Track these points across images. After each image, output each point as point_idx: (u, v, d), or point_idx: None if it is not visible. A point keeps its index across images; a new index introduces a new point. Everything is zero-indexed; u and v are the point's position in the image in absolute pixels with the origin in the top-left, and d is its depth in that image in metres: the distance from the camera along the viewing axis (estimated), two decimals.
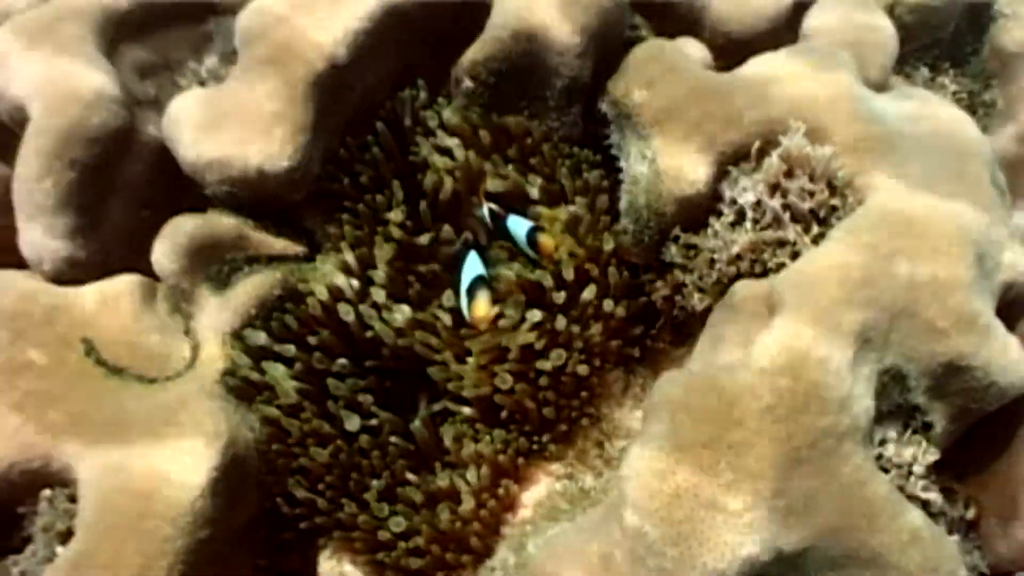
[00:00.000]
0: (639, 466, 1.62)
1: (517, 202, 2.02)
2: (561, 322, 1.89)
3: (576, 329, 1.90)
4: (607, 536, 1.67)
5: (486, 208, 2.01)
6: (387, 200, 2.00)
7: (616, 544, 1.64)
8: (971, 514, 1.88)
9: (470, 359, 1.93)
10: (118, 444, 1.71)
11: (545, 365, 1.86)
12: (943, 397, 1.76)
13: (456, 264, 2.01)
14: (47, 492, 1.76)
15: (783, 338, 1.65)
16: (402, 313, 1.90)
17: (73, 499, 1.75)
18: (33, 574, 1.71)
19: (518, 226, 1.98)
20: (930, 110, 2.04)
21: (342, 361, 1.86)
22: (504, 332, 1.92)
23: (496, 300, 1.95)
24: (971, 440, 1.86)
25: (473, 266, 1.97)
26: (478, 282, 1.92)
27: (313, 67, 1.87)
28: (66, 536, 1.72)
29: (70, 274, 1.91)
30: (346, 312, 1.85)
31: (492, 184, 2.01)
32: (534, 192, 2.04)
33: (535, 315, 1.92)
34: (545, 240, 1.98)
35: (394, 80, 2.07)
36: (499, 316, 1.93)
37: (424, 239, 2.02)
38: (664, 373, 1.74)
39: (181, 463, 1.66)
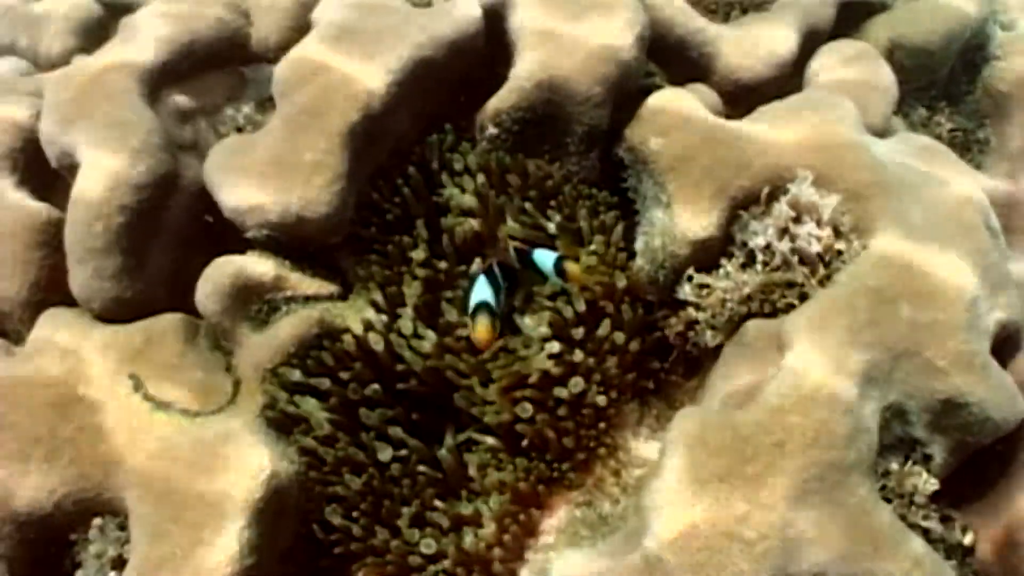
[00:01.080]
0: (659, 498, 1.72)
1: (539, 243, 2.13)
2: (578, 355, 1.99)
3: (592, 361, 2.01)
4: (628, 563, 1.76)
5: (512, 247, 2.11)
6: (414, 240, 2.11)
7: (637, 571, 1.74)
8: (968, 540, 1.99)
9: (492, 385, 2.03)
10: (166, 478, 1.81)
11: (563, 393, 1.97)
12: (942, 431, 1.87)
13: (469, 288, 2.12)
14: (98, 520, 1.87)
15: (793, 378, 1.77)
16: (428, 339, 2.00)
17: (123, 527, 1.85)
18: None
19: (545, 258, 2.07)
20: (931, 158, 2.16)
21: (374, 386, 1.95)
22: (524, 359, 2.02)
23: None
24: (968, 470, 1.97)
25: (480, 291, 2.05)
26: (481, 307, 2.01)
27: (349, 118, 1.98)
28: (117, 562, 1.83)
29: (117, 312, 2.02)
30: (376, 341, 1.95)
31: (512, 229, 2.11)
32: (551, 227, 2.14)
33: (553, 346, 2.02)
34: (572, 268, 2.07)
35: (422, 126, 2.18)
36: (501, 336, 2.02)
37: (445, 275, 2.12)
38: (681, 409, 1.85)
39: (229, 495, 1.76)
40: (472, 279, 2.12)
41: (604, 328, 2.04)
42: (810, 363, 1.77)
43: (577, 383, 1.97)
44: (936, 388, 1.82)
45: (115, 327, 2.02)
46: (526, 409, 1.97)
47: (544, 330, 2.06)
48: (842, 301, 1.86)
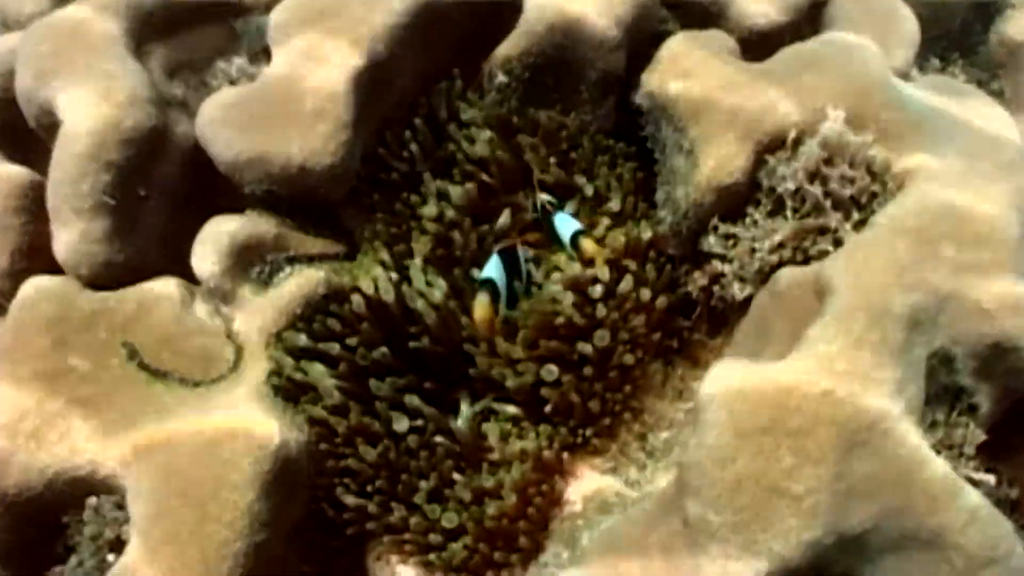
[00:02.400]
0: (699, 455, 1.62)
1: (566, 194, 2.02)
2: (601, 310, 1.88)
3: (617, 315, 1.89)
4: (666, 526, 1.67)
5: (539, 199, 2.00)
6: (423, 196, 1.99)
7: (677, 533, 1.64)
8: (1014, 494, 1.90)
9: (516, 341, 1.90)
10: (167, 450, 1.68)
11: (587, 348, 1.85)
12: (988, 378, 1.78)
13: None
14: (93, 500, 1.73)
15: (836, 322, 1.66)
16: (439, 288, 1.88)
17: (120, 506, 1.72)
18: None
19: (564, 226, 1.97)
20: (962, 99, 2.07)
21: (383, 350, 1.83)
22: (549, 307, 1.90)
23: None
24: (1011, 421, 1.88)
25: (489, 269, 1.95)
26: (484, 285, 1.90)
27: (354, 63, 1.85)
28: (115, 544, 1.70)
29: (107, 278, 1.88)
30: (386, 291, 1.83)
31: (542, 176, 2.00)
32: (589, 191, 2.02)
33: (567, 296, 1.91)
34: (588, 245, 1.97)
35: (427, 78, 2.06)
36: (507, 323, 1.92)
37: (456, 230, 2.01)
38: (717, 362, 1.75)
39: (236, 466, 1.63)
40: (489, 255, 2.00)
41: (627, 283, 1.93)
42: (854, 307, 1.67)
43: (603, 336, 1.86)
44: (984, 331, 1.72)
45: (105, 293, 1.88)
46: (551, 372, 1.86)
47: (557, 287, 1.94)
48: (882, 243, 1.75)
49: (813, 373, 1.62)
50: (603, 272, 1.90)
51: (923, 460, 1.61)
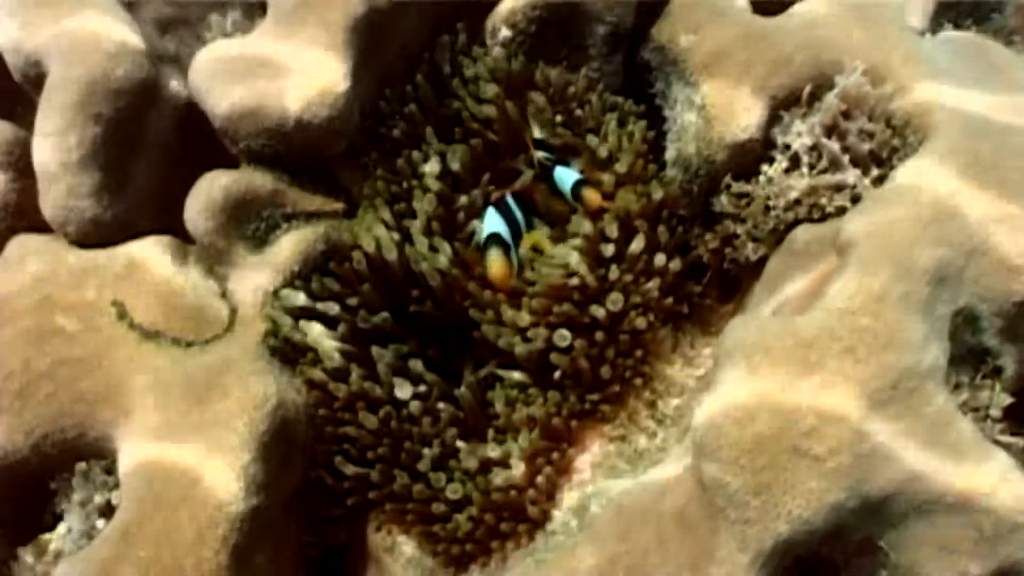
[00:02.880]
0: (716, 414, 1.55)
1: (566, 153, 1.94)
2: (615, 271, 1.81)
3: (629, 278, 1.82)
4: (681, 490, 1.60)
5: (535, 155, 1.93)
6: (424, 153, 1.91)
7: (692, 498, 1.58)
8: None
9: (522, 307, 1.83)
10: (159, 410, 1.61)
11: (600, 312, 1.78)
12: (1015, 339, 1.71)
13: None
14: (82, 465, 1.66)
15: (859, 277, 1.59)
16: (444, 252, 1.81)
17: (110, 471, 1.65)
18: (71, 552, 1.59)
19: (565, 177, 1.90)
20: (977, 48, 2.00)
21: (384, 314, 1.75)
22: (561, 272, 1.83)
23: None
24: None
25: (491, 223, 1.88)
26: (492, 240, 1.83)
27: (354, 9, 1.77)
28: (106, 510, 1.62)
29: (96, 236, 1.80)
30: (389, 250, 1.75)
31: (539, 132, 1.93)
32: (603, 152, 1.95)
33: (573, 255, 1.84)
34: (590, 195, 1.90)
35: (429, 31, 1.98)
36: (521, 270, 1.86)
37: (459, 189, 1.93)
38: (733, 319, 1.68)
39: (231, 426, 1.56)
40: (483, 210, 1.93)
41: (638, 243, 1.85)
42: (878, 261, 1.60)
43: (617, 300, 1.78)
44: (1012, 289, 1.66)
45: (94, 251, 1.80)
46: (564, 337, 1.78)
47: (567, 250, 1.87)
48: (906, 196, 1.69)
49: (835, 328, 1.56)
50: (611, 229, 1.83)
51: (950, 420, 1.55)
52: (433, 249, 1.82)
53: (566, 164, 1.95)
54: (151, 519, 1.49)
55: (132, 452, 1.57)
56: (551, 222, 2.00)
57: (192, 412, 1.59)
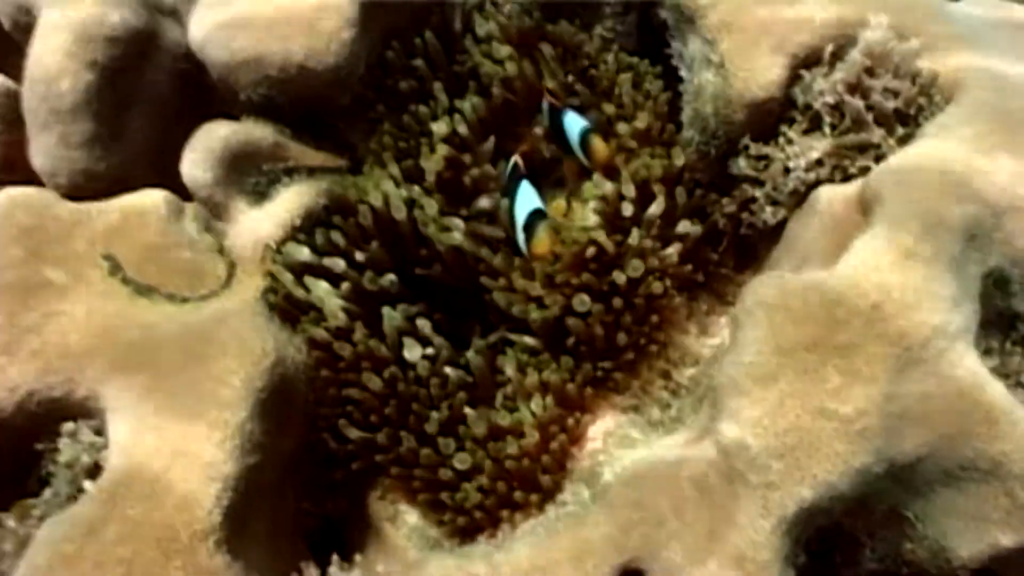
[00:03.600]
0: (737, 373, 1.48)
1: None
2: (635, 235, 1.74)
3: (649, 244, 1.75)
4: (699, 455, 1.53)
5: (546, 102, 1.85)
6: (432, 111, 1.84)
7: (711, 463, 1.50)
8: None
9: (533, 281, 1.76)
10: (151, 366, 1.53)
11: (620, 278, 1.70)
12: None
13: (509, 193, 1.85)
14: (70, 425, 1.57)
15: (887, 234, 1.52)
16: (457, 228, 1.73)
17: (99, 432, 1.57)
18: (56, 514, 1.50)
19: (574, 125, 1.82)
20: (1005, 11, 1.93)
21: (390, 277, 1.68)
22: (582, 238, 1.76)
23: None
24: None
25: (528, 198, 1.80)
26: (536, 216, 1.75)
27: None
28: (94, 471, 1.53)
29: (88, 188, 1.74)
30: (397, 209, 1.67)
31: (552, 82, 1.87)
32: (610, 109, 1.90)
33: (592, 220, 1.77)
34: (597, 143, 1.82)
35: None
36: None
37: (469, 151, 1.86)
38: (756, 277, 1.60)
39: (226, 382, 1.48)
40: (510, 184, 1.86)
41: (657, 207, 1.78)
42: (906, 217, 1.53)
43: (637, 267, 1.71)
44: None
45: (86, 204, 1.72)
46: (584, 302, 1.70)
47: (589, 213, 1.80)
48: (934, 153, 1.62)
49: (862, 285, 1.49)
50: (629, 189, 1.76)
51: (982, 382, 1.48)
52: (445, 229, 1.73)
53: (579, 111, 1.88)
54: (140, 478, 1.41)
55: (121, 410, 1.49)
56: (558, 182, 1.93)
57: (186, 368, 1.51)
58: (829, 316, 1.48)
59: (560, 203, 1.90)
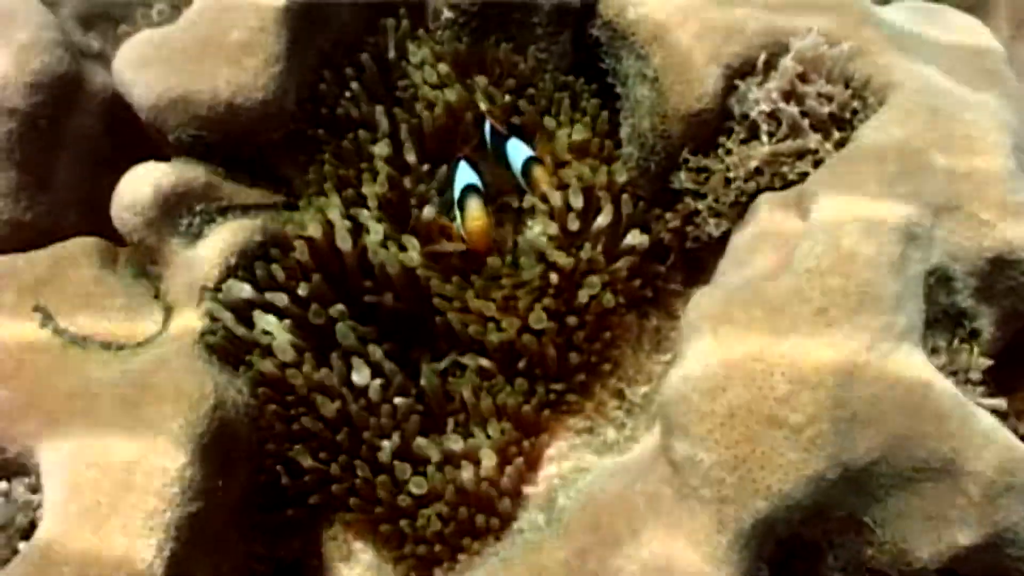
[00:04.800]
0: (685, 388, 1.46)
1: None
2: (587, 249, 1.73)
3: (600, 253, 1.74)
4: (652, 473, 1.51)
5: (488, 125, 1.84)
6: (371, 136, 1.82)
7: (664, 480, 1.48)
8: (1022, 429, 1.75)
9: (487, 303, 1.74)
10: (86, 417, 1.48)
11: (583, 297, 1.69)
12: (990, 299, 1.65)
13: (449, 182, 1.84)
14: (3, 485, 1.52)
15: (827, 236, 1.52)
16: (412, 247, 1.71)
17: (35, 489, 1.51)
18: None
19: (517, 153, 1.81)
20: (937, 15, 1.95)
21: (339, 307, 1.65)
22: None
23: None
24: (1015, 352, 1.74)
25: (464, 175, 1.78)
26: (469, 191, 1.73)
27: None
28: (29, 532, 1.48)
29: (16, 239, 1.70)
30: (343, 239, 1.64)
31: (487, 101, 1.85)
32: (549, 123, 1.90)
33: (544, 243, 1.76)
34: (539, 174, 1.82)
35: (368, 15, 1.90)
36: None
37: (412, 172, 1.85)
38: (699, 290, 1.59)
39: (164, 428, 1.44)
40: (451, 168, 1.85)
41: (604, 217, 1.77)
42: (845, 218, 1.53)
43: (594, 284, 1.70)
44: (983, 245, 1.59)
45: (13, 255, 1.67)
46: (541, 318, 1.69)
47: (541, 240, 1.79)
48: (869, 155, 1.62)
49: (804, 290, 1.48)
50: (576, 200, 1.74)
51: (930, 381, 1.47)
52: (401, 247, 1.71)
53: (521, 137, 1.86)
54: (77, 534, 1.36)
55: (56, 464, 1.44)
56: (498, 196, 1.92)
57: (122, 417, 1.46)
58: (774, 324, 1.47)
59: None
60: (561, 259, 1.73)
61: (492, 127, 1.85)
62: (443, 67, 1.86)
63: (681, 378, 1.47)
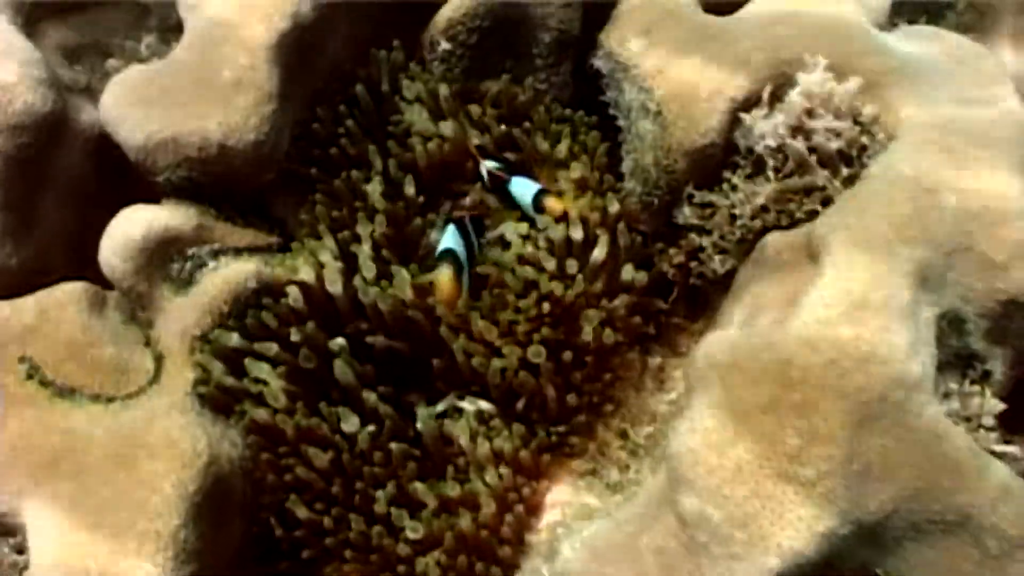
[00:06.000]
0: (692, 441, 1.42)
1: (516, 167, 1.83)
2: (579, 283, 1.69)
3: (597, 289, 1.70)
4: (659, 526, 1.47)
5: (484, 168, 1.80)
6: (365, 174, 1.77)
7: (671, 534, 1.44)
8: None
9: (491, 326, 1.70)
10: (75, 475, 1.43)
11: (588, 335, 1.65)
12: (1002, 341, 1.60)
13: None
14: None
15: (837, 284, 1.48)
16: (402, 279, 1.68)
17: (21, 550, 1.47)
18: None
19: (523, 188, 1.78)
20: (939, 40, 1.91)
21: (340, 341, 1.61)
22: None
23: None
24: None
25: (447, 239, 1.77)
26: (445, 256, 1.72)
27: (276, 26, 1.64)
28: None
29: (1, 285, 1.63)
30: (333, 281, 1.60)
31: (480, 140, 1.82)
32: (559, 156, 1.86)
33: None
34: (552, 204, 1.79)
35: (361, 44, 1.85)
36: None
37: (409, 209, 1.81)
38: (706, 336, 1.55)
39: (157, 489, 1.39)
40: (442, 227, 1.81)
41: (600, 251, 1.72)
42: (855, 265, 1.48)
43: (593, 317, 1.66)
44: (996, 287, 1.55)
45: None
46: (539, 352, 1.64)
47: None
48: (879, 195, 1.58)
49: (815, 341, 1.44)
50: (576, 231, 1.71)
51: (944, 432, 1.43)
52: (387, 278, 1.67)
53: (521, 174, 1.82)
54: None
55: (44, 526, 1.39)
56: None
57: (113, 476, 1.42)
58: (783, 376, 1.42)
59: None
60: (558, 290, 1.69)
61: (489, 171, 1.81)
62: (440, 97, 1.80)
63: (688, 430, 1.43)
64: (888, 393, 1.41)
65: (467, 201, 1.90)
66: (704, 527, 1.39)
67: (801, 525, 1.36)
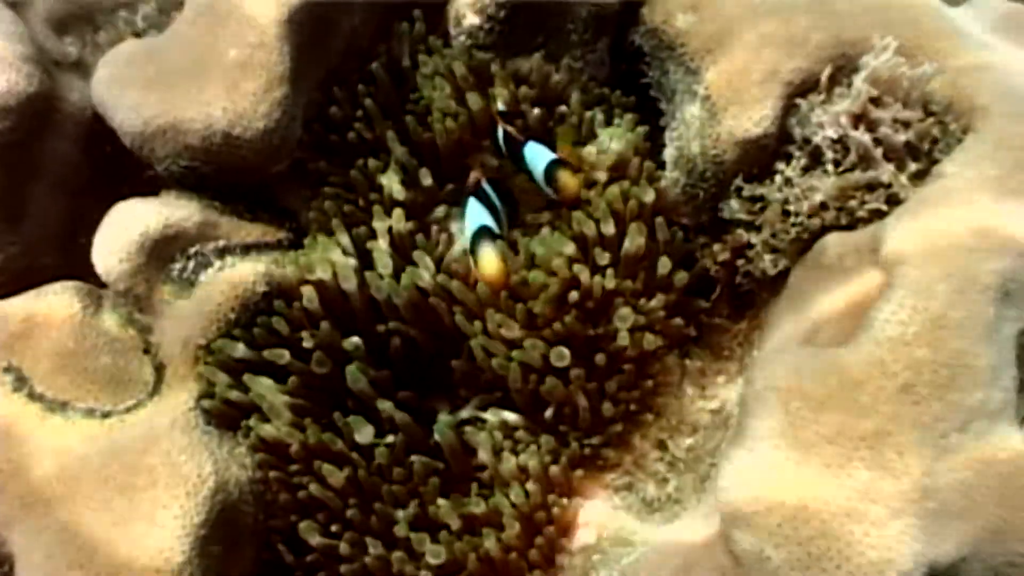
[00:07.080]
0: (749, 474, 1.29)
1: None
2: (610, 280, 1.56)
3: (630, 287, 1.56)
4: (711, 564, 1.35)
5: (501, 131, 1.64)
6: (383, 162, 1.62)
7: (723, 573, 1.32)
8: None
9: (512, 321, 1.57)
10: (67, 502, 1.31)
11: (624, 339, 1.51)
12: None
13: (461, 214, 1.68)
14: None
15: (911, 300, 1.33)
16: (426, 266, 1.54)
17: None
18: None
19: (537, 157, 1.62)
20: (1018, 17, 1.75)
21: (355, 340, 1.48)
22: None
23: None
24: None
25: (476, 215, 1.61)
26: (482, 233, 1.57)
27: (286, 0, 1.47)
28: None
29: None
30: (345, 278, 1.48)
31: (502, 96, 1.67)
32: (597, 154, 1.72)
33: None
34: (566, 178, 1.63)
35: (380, 22, 1.68)
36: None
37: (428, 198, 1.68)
38: (761, 352, 1.42)
39: (158, 521, 1.26)
40: (462, 201, 1.67)
41: (632, 242, 1.57)
42: (932, 279, 1.34)
43: (626, 316, 1.51)
44: None
45: None
46: (562, 355, 1.51)
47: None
48: (956, 197, 1.43)
49: (887, 363, 1.30)
50: (608, 227, 1.56)
51: None
52: (409, 264, 1.54)
53: (538, 141, 1.67)
54: None
55: (33, 560, 1.27)
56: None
57: (111, 504, 1.30)
58: (853, 401, 1.29)
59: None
60: (584, 276, 1.55)
61: (506, 133, 1.64)
62: (460, 75, 1.64)
63: (746, 463, 1.30)
64: (968, 423, 1.28)
65: (475, 172, 1.73)
66: (762, 568, 1.27)
67: (871, 569, 1.24)
